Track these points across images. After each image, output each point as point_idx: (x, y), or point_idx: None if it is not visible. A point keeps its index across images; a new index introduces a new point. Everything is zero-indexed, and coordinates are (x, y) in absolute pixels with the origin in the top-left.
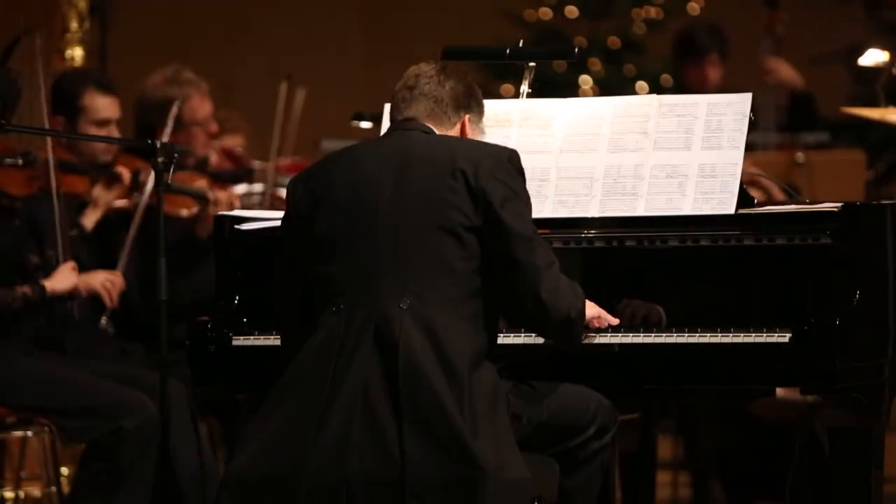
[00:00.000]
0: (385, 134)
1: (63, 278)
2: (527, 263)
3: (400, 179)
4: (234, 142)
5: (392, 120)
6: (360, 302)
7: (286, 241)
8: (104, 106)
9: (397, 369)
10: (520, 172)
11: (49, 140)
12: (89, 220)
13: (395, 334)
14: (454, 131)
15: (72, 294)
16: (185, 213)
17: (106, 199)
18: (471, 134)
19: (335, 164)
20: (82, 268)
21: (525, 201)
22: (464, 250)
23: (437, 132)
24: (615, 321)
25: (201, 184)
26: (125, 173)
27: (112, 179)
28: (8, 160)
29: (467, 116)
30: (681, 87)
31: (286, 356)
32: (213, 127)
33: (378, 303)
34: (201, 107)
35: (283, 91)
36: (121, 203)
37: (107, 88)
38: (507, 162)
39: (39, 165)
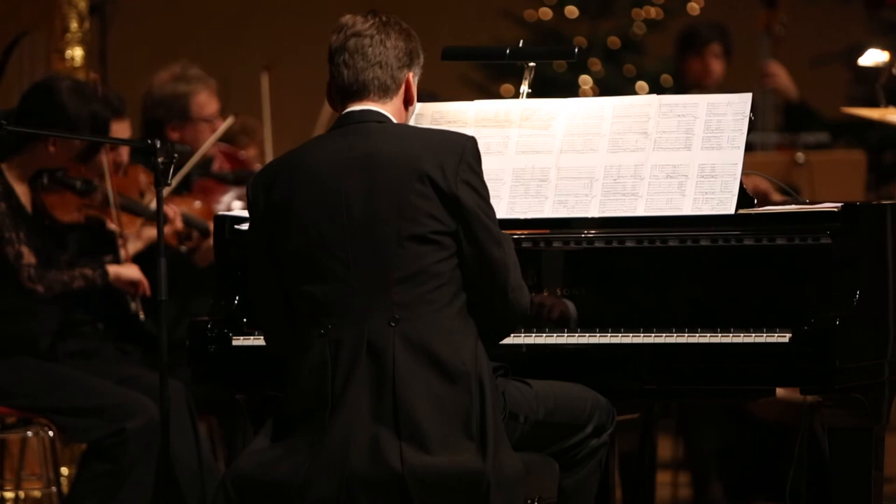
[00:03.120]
0: (339, 127)
1: (130, 267)
2: (499, 262)
3: (368, 189)
4: (250, 153)
5: (338, 86)
6: (347, 321)
7: (257, 253)
8: (114, 131)
9: (394, 389)
10: (479, 163)
11: (109, 175)
12: (131, 248)
13: (389, 356)
14: (399, 95)
15: (136, 287)
16: (183, 247)
17: (150, 234)
18: (413, 90)
19: (296, 172)
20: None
21: (488, 197)
22: (444, 252)
23: (385, 107)
24: None
25: (200, 210)
26: (177, 218)
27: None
28: (67, 180)
29: (410, 74)
30: (683, 82)
31: (279, 354)
32: (220, 125)
33: (366, 321)
34: (209, 103)
35: (265, 83)
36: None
37: (118, 112)
38: (471, 156)
39: (96, 196)
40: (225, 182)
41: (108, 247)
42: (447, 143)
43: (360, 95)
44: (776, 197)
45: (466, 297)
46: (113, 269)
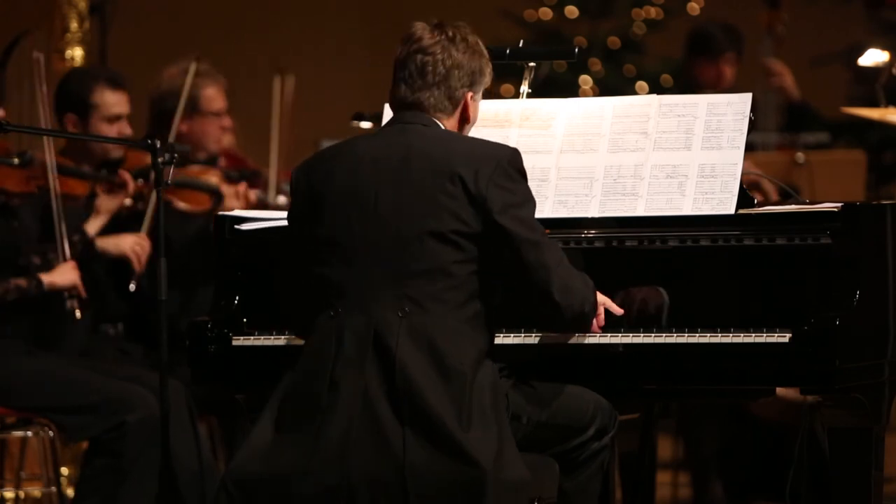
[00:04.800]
0: (387, 125)
1: (63, 273)
2: (536, 265)
3: (399, 183)
4: (227, 141)
5: (395, 98)
6: (357, 307)
7: (289, 237)
8: (115, 101)
9: (395, 378)
10: (520, 173)
11: (47, 142)
12: (92, 226)
13: (393, 344)
14: (455, 114)
15: (71, 291)
16: (198, 208)
17: (108, 205)
18: (472, 108)
19: (335, 161)
20: (91, 272)
21: (527, 203)
22: (462, 254)
23: (439, 120)
24: (619, 311)
25: (213, 179)
26: (129, 179)
27: (114, 186)
28: (3, 159)
29: (469, 94)
30: (693, 84)
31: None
32: (227, 121)
33: (376, 309)
34: (217, 98)
35: (277, 86)
36: (129, 203)
37: (117, 84)
38: (508, 165)
39: (37, 166)
40: (231, 180)
41: (69, 217)
42: (487, 150)
43: (414, 109)
44: (766, 184)
45: (489, 308)
46: (47, 279)
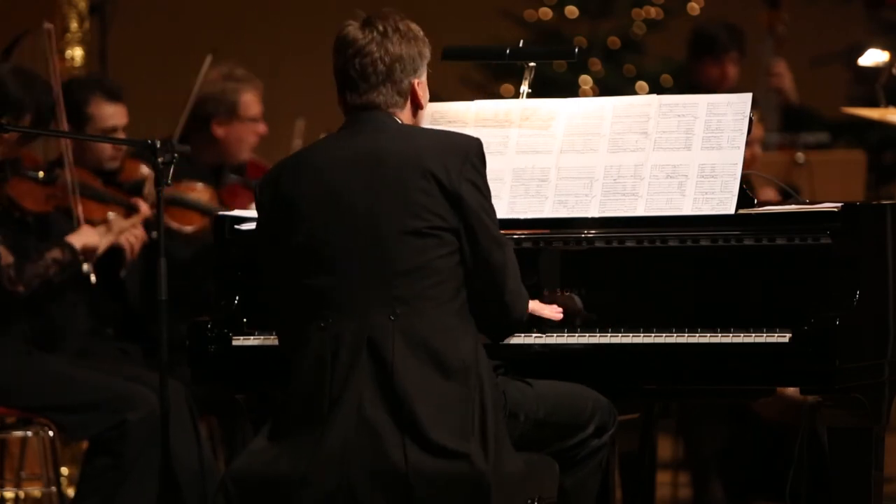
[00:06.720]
0: (347, 126)
1: (86, 233)
2: (498, 265)
3: (372, 186)
4: None
5: (344, 102)
6: (347, 315)
7: (263, 251)
8: (111, 114)
9: (391, 386)
10: (484, 164)
11: (67, 159)
12: (102, 243)
13: (388, 351)
14: (407, 104)
15: (88, 255)
16: (189, 228)
17: (120, 226)
18: (421, 94)
19: (301, 169)
20: (86, 281)
21: (490, 198)
22: (445, 248)
23: (395, 114)
24: (557, 316)
25: (203, 196)
26: (145, 209)
27: (132, 211)
28: (29, 172)
29: (416, 81)
30: (696, 84)
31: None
32: (262, 128)
33: (366, 315)
34: (254, 104)
35: (206, 65)
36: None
37: (114, 96)
38: (475, 157)
39: (59, 185)
40: (250, 189)
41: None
42: (453, 143)
43: (368, 110)
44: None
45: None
46: (76, 241)
